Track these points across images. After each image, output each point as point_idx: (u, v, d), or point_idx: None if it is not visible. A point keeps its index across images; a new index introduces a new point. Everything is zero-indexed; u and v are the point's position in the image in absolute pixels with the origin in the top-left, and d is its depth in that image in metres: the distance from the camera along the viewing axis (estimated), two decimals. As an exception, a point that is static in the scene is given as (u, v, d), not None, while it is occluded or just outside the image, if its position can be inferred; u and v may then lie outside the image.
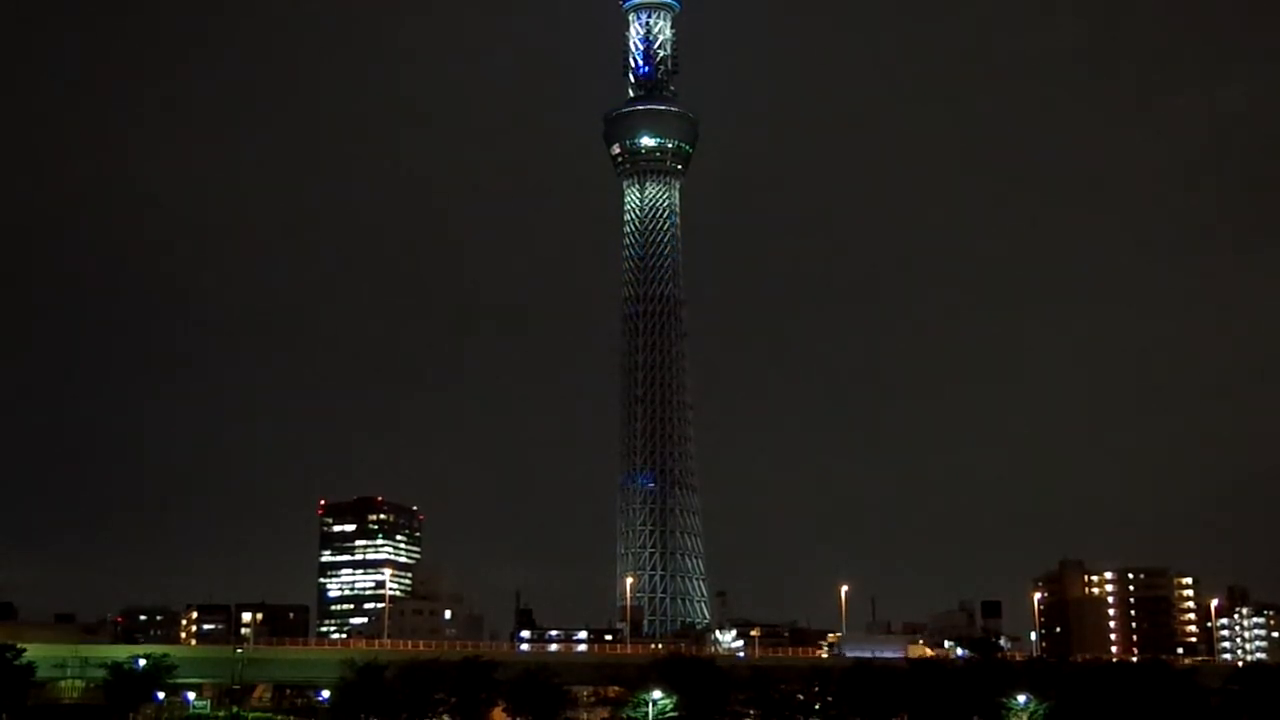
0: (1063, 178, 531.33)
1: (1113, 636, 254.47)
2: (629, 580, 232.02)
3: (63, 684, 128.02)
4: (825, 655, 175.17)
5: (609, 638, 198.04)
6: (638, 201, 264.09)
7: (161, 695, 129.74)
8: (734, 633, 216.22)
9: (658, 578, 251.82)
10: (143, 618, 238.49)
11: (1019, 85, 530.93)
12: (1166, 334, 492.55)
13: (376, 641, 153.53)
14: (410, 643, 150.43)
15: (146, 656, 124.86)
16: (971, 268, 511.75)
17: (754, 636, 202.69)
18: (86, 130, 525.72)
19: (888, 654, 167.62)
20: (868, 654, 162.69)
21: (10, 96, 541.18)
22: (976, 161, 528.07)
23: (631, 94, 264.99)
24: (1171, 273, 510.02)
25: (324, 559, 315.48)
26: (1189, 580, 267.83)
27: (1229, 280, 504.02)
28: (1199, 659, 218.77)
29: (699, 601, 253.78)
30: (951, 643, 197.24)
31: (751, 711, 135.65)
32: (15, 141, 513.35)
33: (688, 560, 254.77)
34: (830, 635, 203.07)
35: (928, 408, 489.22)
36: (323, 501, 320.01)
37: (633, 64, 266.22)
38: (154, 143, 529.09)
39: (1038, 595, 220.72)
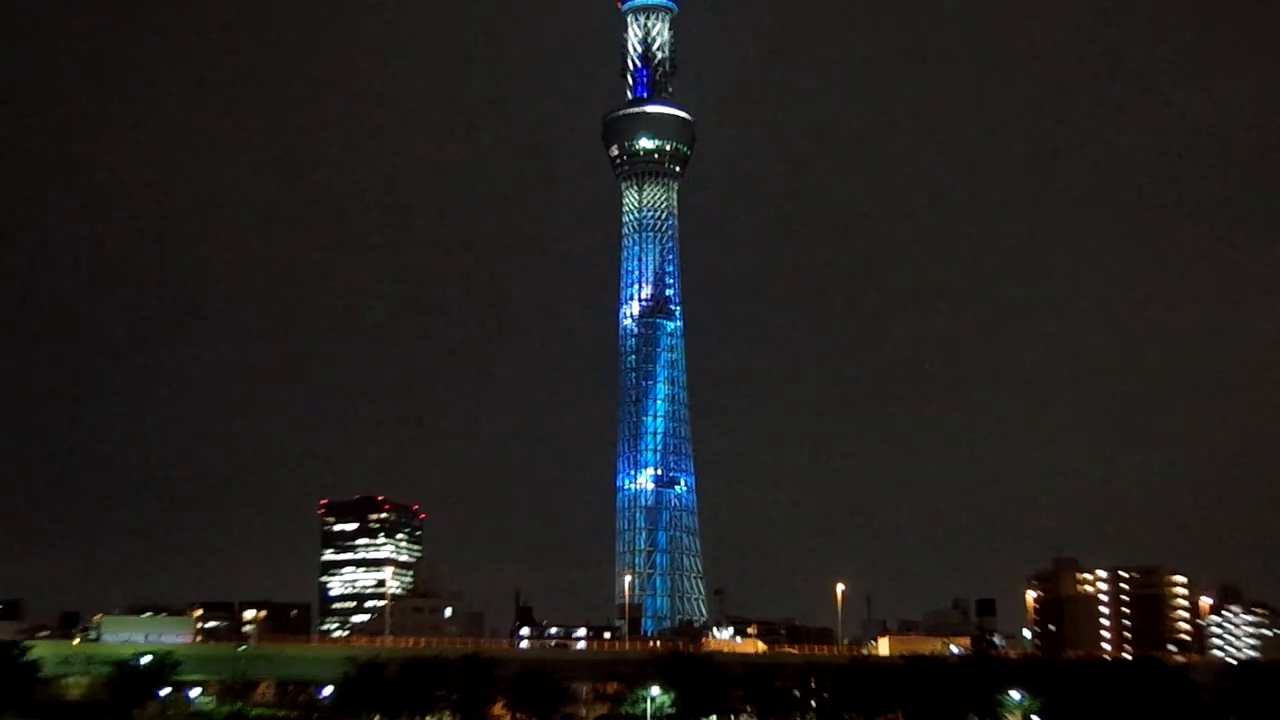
0: (1064, 173, 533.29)
1: (1106, 634, 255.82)
2: (627, 578, 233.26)
3: (67, 681, 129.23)
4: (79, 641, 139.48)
5: (608, 635, 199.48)
6: (636, 203, 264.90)
7: (165, 692, 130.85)
8: (731, 630, 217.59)
9: (656, 576, 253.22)
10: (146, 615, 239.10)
11: (1021, 82, 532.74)
12: (1163, 332, 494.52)
13: (378, 639, 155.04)
14: (412, 640, 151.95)
15: (150, 654, 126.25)
16: (971, 266, 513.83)
17: (751, 634, 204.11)
18: (87, 131, 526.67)
19: (168, 640, 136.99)
20: (138, 639, 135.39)
21: (9, 95, 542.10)
22: (978, 158, 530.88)
23: (630, 96, 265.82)
24: (1172, 271, 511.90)
25: (326, 557, 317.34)
26: (1182, 578, 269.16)
27: (1229, 278, 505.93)
28: (1191, 656, 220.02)
29: (696, 599, 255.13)
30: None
31: (749, 708, 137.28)
32: (13, 141, 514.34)
33: (685, 558, 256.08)
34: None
35: (924, 406, 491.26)
36: (324, 501, 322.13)
37: (631, 66, 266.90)
38: (155, 145, 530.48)
39: (1031, 593, 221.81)
